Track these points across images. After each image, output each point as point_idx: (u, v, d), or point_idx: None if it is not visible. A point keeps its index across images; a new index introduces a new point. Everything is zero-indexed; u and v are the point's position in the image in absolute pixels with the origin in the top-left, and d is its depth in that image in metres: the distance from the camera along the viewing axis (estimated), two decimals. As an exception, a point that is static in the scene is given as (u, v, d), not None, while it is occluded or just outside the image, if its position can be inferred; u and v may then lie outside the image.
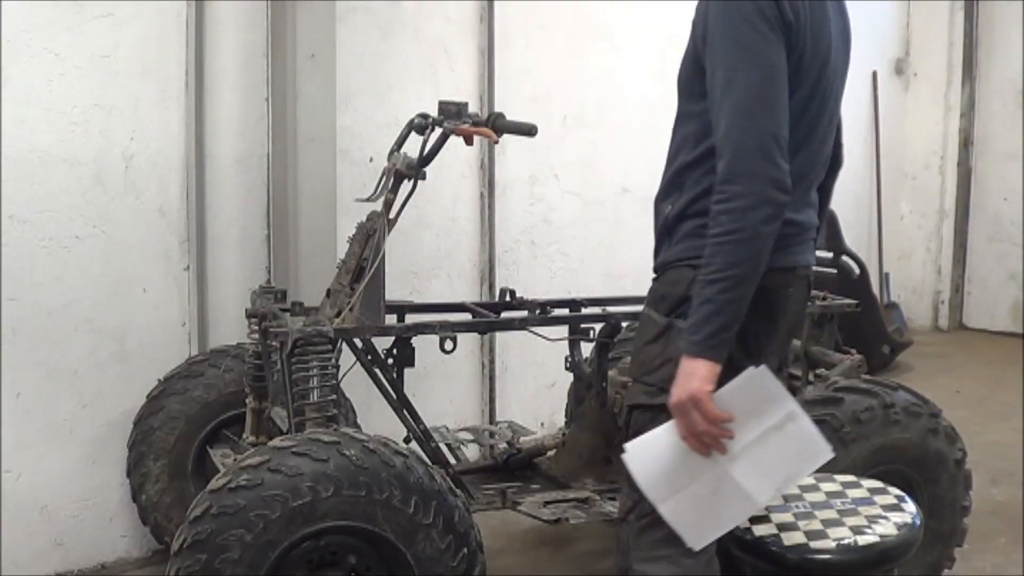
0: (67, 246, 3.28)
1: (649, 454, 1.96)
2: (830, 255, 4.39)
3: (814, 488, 2.29)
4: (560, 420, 3.48)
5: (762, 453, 1.94)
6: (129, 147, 3.38)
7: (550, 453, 3.28)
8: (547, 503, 2.98)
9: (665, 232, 2.09)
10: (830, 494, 2.25)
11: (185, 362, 3.39)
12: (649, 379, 2.05)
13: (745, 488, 1.94)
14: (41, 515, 3.32)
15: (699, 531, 1.96)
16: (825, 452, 1.96)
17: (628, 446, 1.99)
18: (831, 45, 2.04)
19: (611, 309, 3.28)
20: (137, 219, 3.42)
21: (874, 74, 6.91)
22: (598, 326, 3.14)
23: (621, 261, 4.80)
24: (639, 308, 3.45)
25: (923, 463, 2.99)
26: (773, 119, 1.90)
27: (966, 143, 7.25)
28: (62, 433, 3.33)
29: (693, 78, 2.02)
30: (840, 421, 2.87)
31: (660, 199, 2.13)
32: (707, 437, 1.91)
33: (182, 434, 3.29)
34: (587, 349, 3.20)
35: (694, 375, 1.89)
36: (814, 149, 2.08)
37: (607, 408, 3.14)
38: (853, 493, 2.26)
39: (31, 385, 3.25)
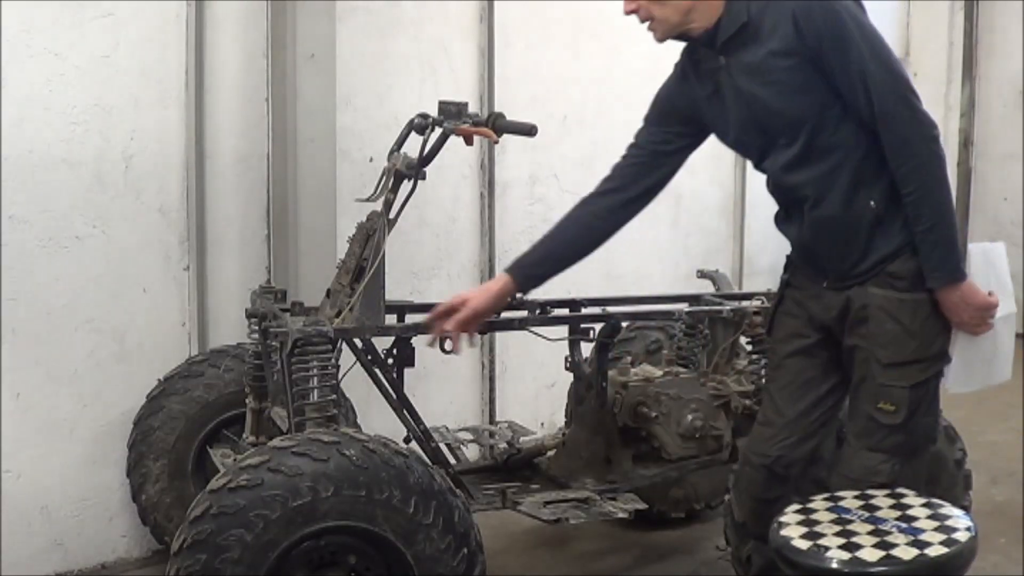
0: (67, 246, 3.28)
1: (961, 369, 2.44)
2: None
3: (864, 501, 2.25)
4: (560, 420, 3.47)
5: (999, 287, 2.44)
6: (129, 147, 3.38)
7: (550, 453, 3.28)
8: (547, 503, 2.98)
9: (876, 222, 2.36)
10: (881, 507, 2.22)
11: (185, 362, 3.39)
12: (930, 351, 2.39)
13: (1008, 313, 2.45)
14: (41, 515, 3.32)
15: (1005, 365, 2.54)
16: (1000, 244, 2.53)
17: (946, 383, 2.46)
18: None
19: (611, 309, 3.28)
20: (137, 219, 3.42)
21: (874, 74, 6.89)
22: (598, 326, 3.14)
23: (621, 261, 4.79)
24: (639, 308, 3.50)
25: (923, 463, 2.98)
26: (904, 78, 2.30)
27: (966, 143, 7.24)
28: (62, 433, 3.33)
29: (820, 92, 2.32)
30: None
31: (845, 200, 2.37)
32: (989, 316, 2.38)
33: (182, 434, 3.29)
34: (587, 349, 3.20)
35: (964, 296, 2.32)
36: None
37: (607, 408, 3.14)
38: (905, 507, 2.22)
39: (31, 385, 3.25)
